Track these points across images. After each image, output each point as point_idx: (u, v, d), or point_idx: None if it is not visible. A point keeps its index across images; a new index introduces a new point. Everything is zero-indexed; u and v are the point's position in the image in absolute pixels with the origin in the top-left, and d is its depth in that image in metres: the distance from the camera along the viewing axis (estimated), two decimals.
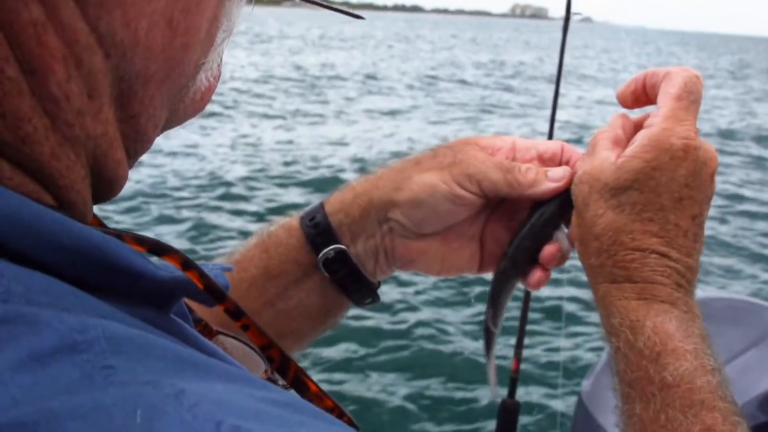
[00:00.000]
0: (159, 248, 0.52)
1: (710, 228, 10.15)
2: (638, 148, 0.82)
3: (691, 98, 0.84)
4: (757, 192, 12.62)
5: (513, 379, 3.06)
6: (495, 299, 0.95)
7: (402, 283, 7.36)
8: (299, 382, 0.63)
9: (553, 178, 0.90)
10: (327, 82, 24.96)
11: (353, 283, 0.95)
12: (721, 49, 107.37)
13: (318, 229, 0.94)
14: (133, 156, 0.54)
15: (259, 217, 9.52)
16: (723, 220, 10.75)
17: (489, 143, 0.94)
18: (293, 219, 0.97)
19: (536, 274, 0.92)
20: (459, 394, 5.35)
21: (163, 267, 0.50)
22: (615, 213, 0.82)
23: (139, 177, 10.80)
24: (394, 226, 0.93)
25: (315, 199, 1.00)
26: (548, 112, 3.10)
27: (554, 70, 3.10)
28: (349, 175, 12.27)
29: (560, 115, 19.23)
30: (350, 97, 21.40)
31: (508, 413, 2.99)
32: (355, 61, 35.37)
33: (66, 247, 0.43)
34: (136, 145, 0.53)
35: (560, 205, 0.90)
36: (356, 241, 0.94)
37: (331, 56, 38.56)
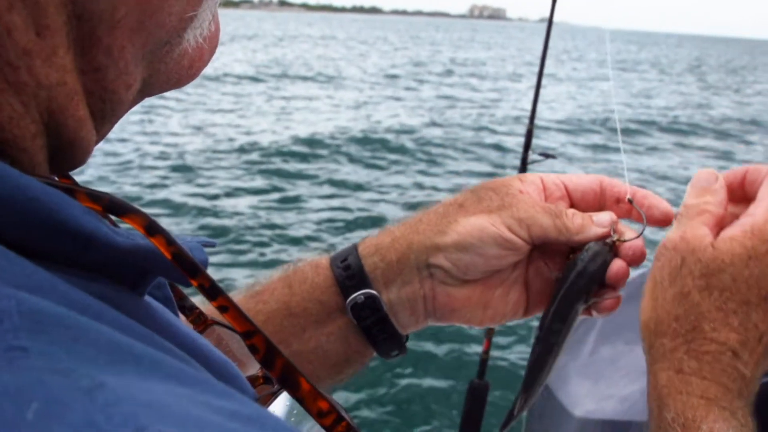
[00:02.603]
0: (118, 207, 0.43)
1: None
2: (740, 232, 0.77)
3: None
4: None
5: (483, 359, 3.03)
6: (530, 385, 0.89)
7: None
8: (289, 379, 0.53)
9: (599, 224, 0.87)
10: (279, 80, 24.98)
11: (381, 332, 0.90)
12: (678, 47, 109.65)
13: (349, 272, 0.89)
14: (100, 118, 0.47)
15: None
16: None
17: (523, 186, 0.90)
18: (322, 258, 0.92)
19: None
20: (427, 377, 5.35)
21: (125, 233, 0.44)
22: (701, 295, 0.76)
23: None
24: (436, 273, 0.88)
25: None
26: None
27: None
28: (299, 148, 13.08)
29: (522, 105, 19.67)
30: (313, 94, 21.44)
31: (477, 394, 2.97)
32: (318, 60, 35.43)
33: None
34: (103, 105, 0.46)
35: (596, 272, 0.85)
36: (390, 288, 0.89)
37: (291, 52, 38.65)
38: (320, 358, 0.90)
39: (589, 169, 13.36)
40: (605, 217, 0.88)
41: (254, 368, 0.70)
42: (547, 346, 0.87)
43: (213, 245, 0.60)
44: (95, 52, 0.43)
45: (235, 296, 0.90)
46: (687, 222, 0.81)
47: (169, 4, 0.45)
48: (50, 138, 0.43)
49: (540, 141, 14.71)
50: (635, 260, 0.86)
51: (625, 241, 0.86)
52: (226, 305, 0.50)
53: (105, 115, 0.47)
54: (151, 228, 0.44)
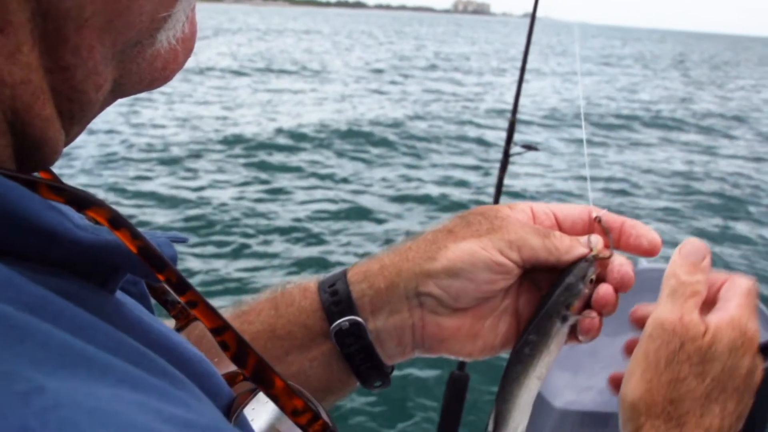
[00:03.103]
0: (81, 200, 0.42)
1: (665, 206, 10.50)
2: (726, 323, 0.80)
3: (753, 304, 0.83)
4: (704, 168, 12.93)
5: None
6: (503, 399, 0.88)
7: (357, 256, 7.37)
8: (262, 376, 0.52)
9: (587, 244, 0.87)
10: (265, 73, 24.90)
11: (364, 360, 0.88)
12: (661, 43, 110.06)
13: (336, 297, 0.87)
14: (69, 118, 0.46)
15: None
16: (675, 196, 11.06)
17: (512, 212, 0.90)
18: (311, 282, 0.91)
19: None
20: (408, 368, 5.36)
21: (91, 228, 0.42)
22: (697, 381, 0.78)
23: None
24: (426, 301, 0.87)
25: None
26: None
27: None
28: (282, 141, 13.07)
29: (506, 98, 19.73)
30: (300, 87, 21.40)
31: (457, 385, 2.97)
32: (301, 53, 35.33)
33: None
34: (71, 105, 0.45)
35: (574, 284, 0.86)
36: (377, 316, 0.88)
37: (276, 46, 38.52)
38: (302, 383, 0.85)
39: (573, 162, 13.43)
40: (593, 239, 0.88)
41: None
42: (521, 356, 0.86)
43: (184, 241, 0.59)
44: (62, 51, 0.42)
45: (222, 314, 0.89)
46: (683, 303, 0.81)
47: (139, 4, 0.44)
48: (15, 137, 0.42)
49: (524, 135, 14.79)
50: (622, 285, 0.87)
51: (603, 258, 0.87)
52: (195, 300, 0.49)
53: (74, 116, 0.46)
54: (116, 221, 0.43)
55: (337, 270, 0.91)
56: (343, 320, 0.86)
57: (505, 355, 0.92)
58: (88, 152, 11.87)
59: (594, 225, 0.90)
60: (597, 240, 0.88)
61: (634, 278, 0.86)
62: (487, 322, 0.89)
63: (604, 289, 0.86)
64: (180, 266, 0.49)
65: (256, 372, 0.52)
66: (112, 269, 0.46)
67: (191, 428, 0.35)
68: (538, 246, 0.86)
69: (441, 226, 0.91)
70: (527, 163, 12.62)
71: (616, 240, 0.89)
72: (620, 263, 0.87)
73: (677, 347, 0.79)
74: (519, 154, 3.20)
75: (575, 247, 0.87)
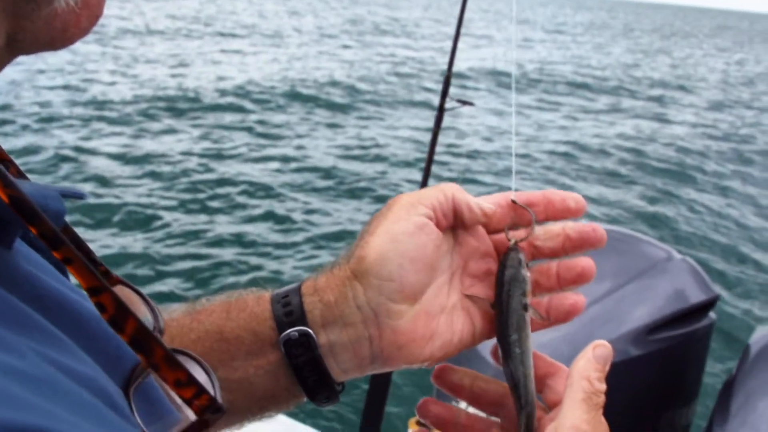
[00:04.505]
0: None
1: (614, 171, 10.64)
2: None
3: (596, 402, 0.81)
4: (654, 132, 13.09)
5: None
6: (520, 398, 0.88)
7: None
8: (141, 343, 0.50)
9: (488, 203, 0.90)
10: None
11: (312, 373, 0.87)
12: (611, 12, 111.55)
13: (288, 308, 0.87)
14: None
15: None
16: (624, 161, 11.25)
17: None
18: (266, 292, 0.91)
19: None
20: None
21: None
22: None
23: None
24: (375, 306, 0.86)
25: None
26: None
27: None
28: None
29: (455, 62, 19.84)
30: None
31: (380, 379, 3.00)
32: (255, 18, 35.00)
33: None
34: None
35: (516, 274, 0.88)
36: (329, 329, 0.87)
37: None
38: (245, 389, 0.87)
39: (508, 118, 13.71)
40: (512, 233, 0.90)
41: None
42: (516, 358, 0.87)
43: (81, 196, 0.58)
44: None
45: (174, 311, 0.91)
46: (596, 415, 0.80)
47: None
48: None
49: (465, 92, 14.82)
50: (570, 247, 0.90)
51: (522, 240, 0.90)
52: (70, 257, 0.48)
53: None
54: None
55: (293, 284, 0.91)
56: (292, 330, 0.86)
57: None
58: (31, 109, 11.91)
59: (514, 207, 0.91)
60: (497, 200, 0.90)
61: (575, 235, 0.90)
62: (441, 320, 0.89)
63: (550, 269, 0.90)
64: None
65: (135, 338, 0.50)
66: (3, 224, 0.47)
67: (13, 375, 0.35)
68: (439, 195, 0.87)
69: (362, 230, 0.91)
70: (463, 117, 13.03)
71: (544, 211, 0.91)
72: (548, 234, 0.90)
73: None
74: (454, 108, 3.21)
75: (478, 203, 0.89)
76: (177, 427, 0.55)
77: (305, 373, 0.87)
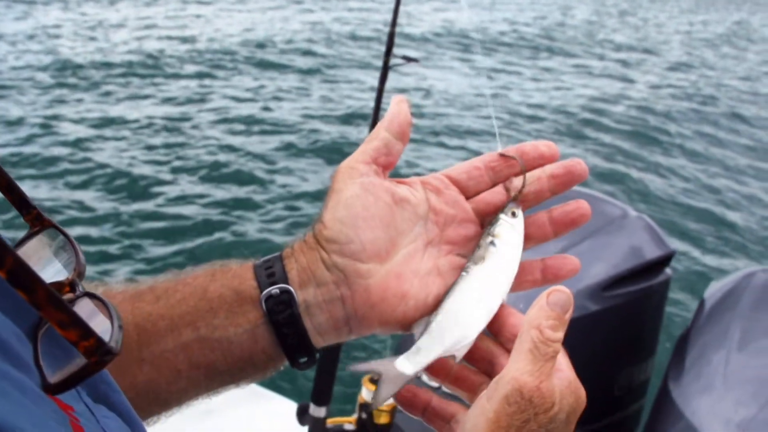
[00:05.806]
0: None
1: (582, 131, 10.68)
2: (566, 389, 0.81)
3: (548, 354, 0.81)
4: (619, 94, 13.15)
5: None
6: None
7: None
8: (21, 279, 0.47)
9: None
10: None
11: (292, 332, 0.89)
12: None
13: (269, 270, 0.90)
14: None
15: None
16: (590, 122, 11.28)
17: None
18: (250, 260, 0.94)
19: None
20: None
21: None
22: None
23: None
24: (343, 267, 0.88)
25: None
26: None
27: None
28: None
29: (414, 24, 19.71)
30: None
31: (329, 347, 2.87)
32: None
33: None
34: None
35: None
36: (305, 288, 0.89)
37: None
38: (224, 348, 0.89)
39: (455, 72, 13.67)
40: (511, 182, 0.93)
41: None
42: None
43: None
44: None
45: (160, 278, 0.94)
46: (543, 366, 0.79)
47: None
48: None
49: (416, 52, 14.87)
50: (560, 179, 0.92)
51: (521, 191, 0.91)
52: None
53: None
54: None
55: (275, 253, 0.93)
56: (274, 288, 0.88)
57: None
58: None
59: (501, 159, 0.93)
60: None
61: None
62: (414, 282, 0.90)
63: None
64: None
65: (13, 273, 0.47)
66: None
67: None
68: (367, 147, 0.91)
69: None
70: (409, 73, 13.32)
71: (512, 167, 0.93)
72: (529, 179, 0.91)
73: (531, 416, 0.78)
74: (399, 65, 3.25)
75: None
76: (68, 369, 0.52)
77: (285, 332, 0.89)
